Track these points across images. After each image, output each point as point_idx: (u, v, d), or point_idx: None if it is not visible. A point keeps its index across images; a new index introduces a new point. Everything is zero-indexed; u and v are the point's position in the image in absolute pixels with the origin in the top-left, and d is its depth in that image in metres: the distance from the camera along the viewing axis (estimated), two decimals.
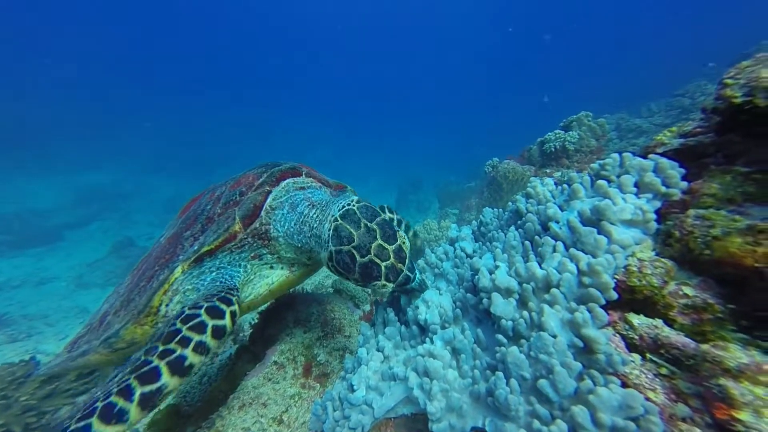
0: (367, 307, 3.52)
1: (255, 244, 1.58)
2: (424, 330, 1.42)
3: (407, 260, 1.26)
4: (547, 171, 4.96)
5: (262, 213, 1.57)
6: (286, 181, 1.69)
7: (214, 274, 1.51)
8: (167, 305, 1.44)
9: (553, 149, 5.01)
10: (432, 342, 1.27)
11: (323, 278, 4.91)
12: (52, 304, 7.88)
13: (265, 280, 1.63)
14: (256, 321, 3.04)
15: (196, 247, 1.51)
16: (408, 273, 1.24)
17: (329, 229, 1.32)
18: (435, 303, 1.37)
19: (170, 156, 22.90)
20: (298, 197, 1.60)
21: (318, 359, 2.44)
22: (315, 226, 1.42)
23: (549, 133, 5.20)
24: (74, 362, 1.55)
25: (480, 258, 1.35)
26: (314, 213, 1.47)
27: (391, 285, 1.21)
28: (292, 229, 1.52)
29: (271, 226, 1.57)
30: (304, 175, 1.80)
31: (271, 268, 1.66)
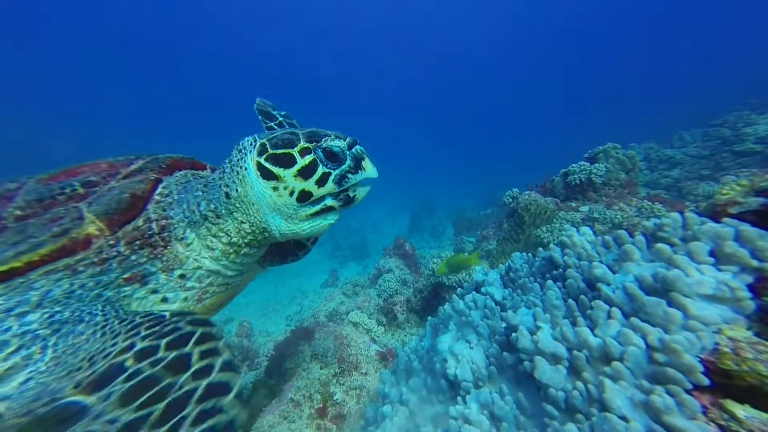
0: (386, 339, 3.38)
1: (134, 259, 1.01)
2: (453, 385, 1.31)
3: None
4: (572, 205, 4.78)
5: (150, 206, 1.09)
6: (182, 172, 1.23)
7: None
8: None
9: (578, 181, 4.86)
10: (465, 403, 1.16)
11: (337, 305, 4.80)
12: None
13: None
14: (272, 353, 2.97)
15: None
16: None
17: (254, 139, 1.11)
18: (466, 358, 1.28)
19: None
20: (193, 182, 1.18)
21: (334, 398, 2.33)
22: (231, 168, 1.10)
23: (573, 165, 5.07)
24: None
25: (514, 310, 1.26)
26: (219, 173, 1.15)
27: (342, 141, 1.09)
28: (194, 203, 1.10)
29: (171, 218, 1.08)
30: (209, 170, 1.34)
31: (164, 300, 1.08)
